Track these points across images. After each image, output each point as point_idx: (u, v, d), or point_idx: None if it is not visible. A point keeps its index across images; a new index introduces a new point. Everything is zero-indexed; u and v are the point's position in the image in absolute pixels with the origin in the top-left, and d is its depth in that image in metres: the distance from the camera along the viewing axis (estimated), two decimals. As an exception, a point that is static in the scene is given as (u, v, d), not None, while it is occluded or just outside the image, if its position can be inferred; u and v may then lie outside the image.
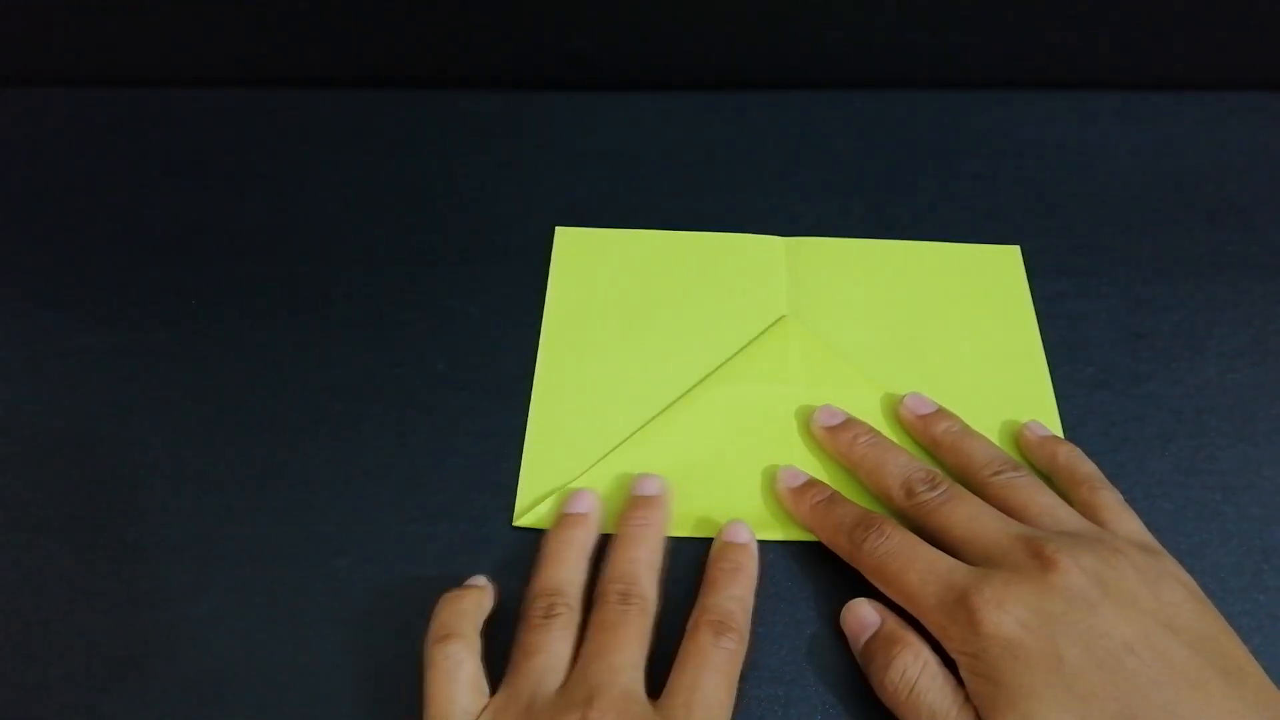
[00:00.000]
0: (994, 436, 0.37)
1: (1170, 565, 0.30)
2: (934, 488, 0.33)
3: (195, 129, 0.48)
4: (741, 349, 0.39)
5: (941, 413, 0.36)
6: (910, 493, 0.33)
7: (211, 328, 0.41)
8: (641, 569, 0.32)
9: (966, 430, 0.36)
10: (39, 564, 0.34)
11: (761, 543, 0.34)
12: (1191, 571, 0.31)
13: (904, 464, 0.34)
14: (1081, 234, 0.43)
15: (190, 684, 0.32)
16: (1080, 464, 0.35)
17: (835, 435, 0.36)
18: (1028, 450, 0.36)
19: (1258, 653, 0.29)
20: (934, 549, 0.31)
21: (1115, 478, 0.34)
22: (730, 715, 0.29)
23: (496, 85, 0.49)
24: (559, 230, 0.43)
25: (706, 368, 0.39)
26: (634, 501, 0.34)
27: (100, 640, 0.33)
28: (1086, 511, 0.32)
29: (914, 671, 0.29)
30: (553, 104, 0.49)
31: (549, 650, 0.30)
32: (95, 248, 0.43)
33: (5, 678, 0.32)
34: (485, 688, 0.30)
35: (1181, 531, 0.35)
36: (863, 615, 0.31)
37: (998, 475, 0.33)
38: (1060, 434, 0.37)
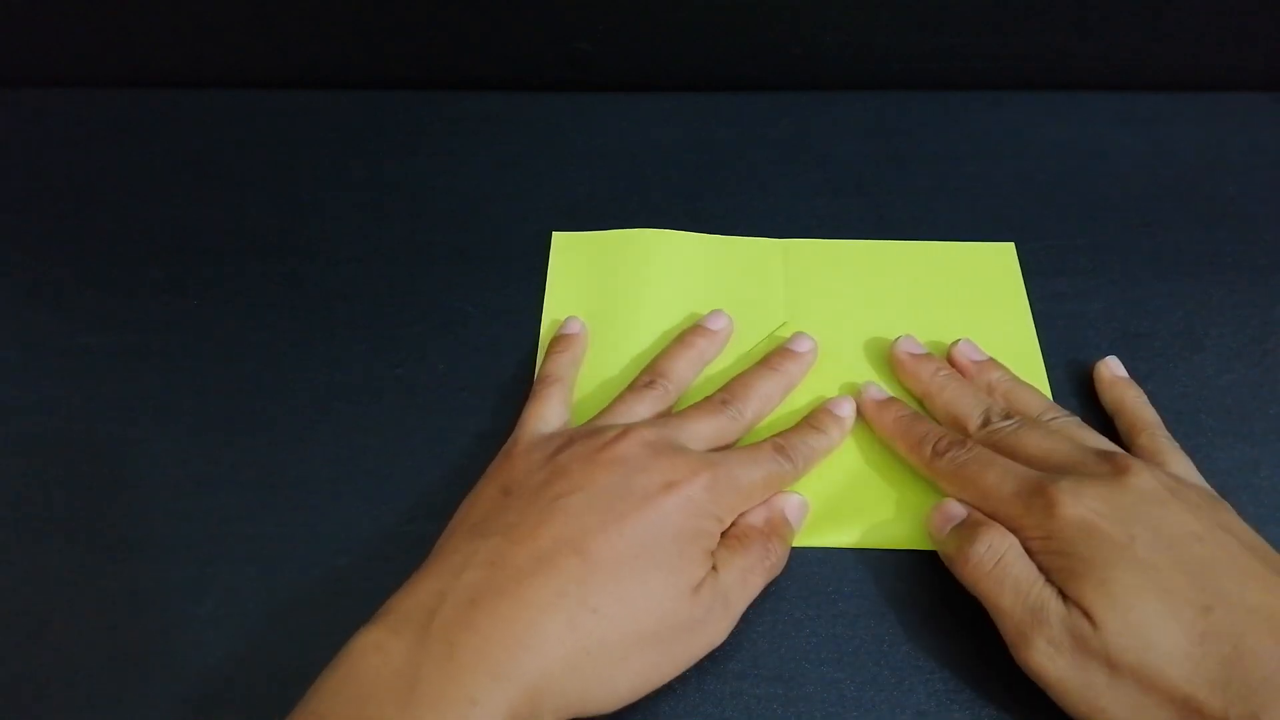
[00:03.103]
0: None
1: (1224, 502, 0.32)
2: (1009, 419, 0.35)
3: (196, 129, 0.48)
4: (740, 351, 0.40)
5: (992, 362, 0.38)
6: (987, 422, 0.35)
7: (211, 328, 0.41)
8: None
9: (1017, 380, 0.37)
10: (39, 564, 0.34)
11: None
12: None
13: (982, 399, 0.36)
14: (1079, 234, 0.43)
15: (190, 684, 0.32)
16: (1145, 410, 0.36)
17: (918, 364, 0.37)
18: (1098, 384, 0.38)
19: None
20: (1011, 460, 0.33)
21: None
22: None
23: (496, 85, 0.49)
24: (556, 235, 0.43)
25: (705, 370, 0.39)
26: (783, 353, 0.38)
27: (100, 640, 0.33)
28: (1146, 456, 0.34)
29: (1000, 547, 0.31)
30: (553, 104, 0.49)
31: (633, 412, 0.35)
32: (95, 248, 0.43)
33: (5, 678, 0.32)
34: (568, 418, 0.36)
35: (1179, 531, 0.35)
36: (949, 509, 0.33)
37: (1054, 419, 0.35)
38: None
